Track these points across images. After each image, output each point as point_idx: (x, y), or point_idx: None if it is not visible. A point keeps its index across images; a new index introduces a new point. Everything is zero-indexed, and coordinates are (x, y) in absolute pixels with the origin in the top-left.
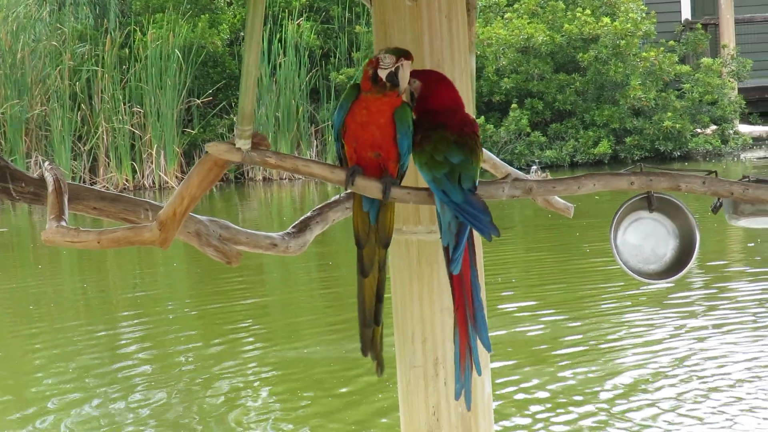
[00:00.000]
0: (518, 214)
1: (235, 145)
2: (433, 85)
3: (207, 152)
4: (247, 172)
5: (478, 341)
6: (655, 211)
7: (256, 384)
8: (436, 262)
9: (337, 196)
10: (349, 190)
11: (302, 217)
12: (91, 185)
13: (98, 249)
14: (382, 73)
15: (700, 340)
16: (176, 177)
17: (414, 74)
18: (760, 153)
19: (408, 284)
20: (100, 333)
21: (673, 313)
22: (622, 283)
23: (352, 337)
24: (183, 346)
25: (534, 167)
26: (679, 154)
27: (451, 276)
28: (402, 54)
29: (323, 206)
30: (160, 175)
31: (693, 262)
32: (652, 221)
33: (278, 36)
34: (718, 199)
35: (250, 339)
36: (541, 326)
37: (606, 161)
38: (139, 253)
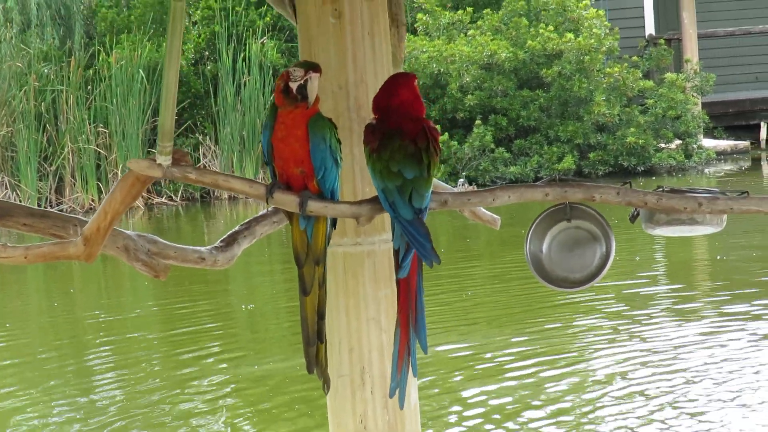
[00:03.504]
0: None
1: (156, 161)
2: (393, 86)
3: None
4: (213, 192)
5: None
6: (578, 220)
7: (206, 396)
8: (362, 274)
9: (264, 211)
10: (270, 206)
11: (230, 232)
12: (58, 206)
13: (25, 264)
14: (293, 86)
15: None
16: (142, 197)
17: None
18: (725, 167)
19: (334, 295)
20: (66, 351)
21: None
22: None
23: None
24: (147, 353)
25: (461, 181)
26: (642, 169)
27: (397, 279)
28: (310, 67)
29: (251, 221)
30: None
31: (607, 269)
32: (578, 230)
33: (242, 55)
34: (635, 209)
35: (214, 350)
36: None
37: (571, 176)
38: (105, 270)
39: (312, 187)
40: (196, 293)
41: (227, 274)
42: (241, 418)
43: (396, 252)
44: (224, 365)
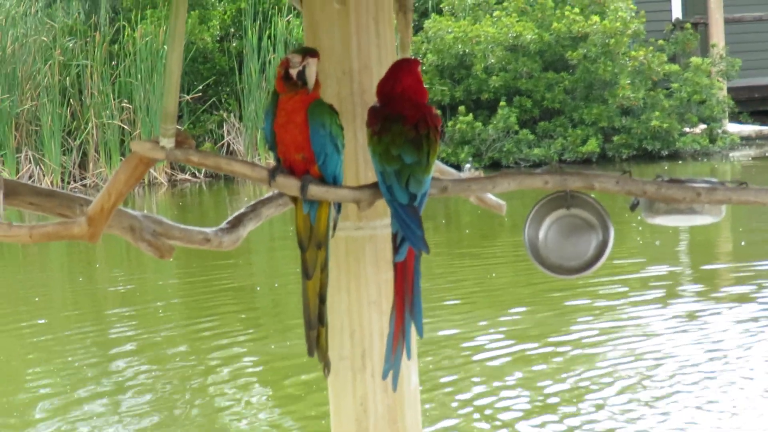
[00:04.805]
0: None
1: (159, 143)
2: (397, 71)
3: (132, 150)
4: None
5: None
6: (576, 208)
7: (224, 372)
8: (363, 258)
9: (270, 193)
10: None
11: (236, 213)
12: (81, 180)
13: (30, 242)
14: (292, 72)
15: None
16: (165, 173)
17: None
18: (750, 152)
19: (336, 279)
20: (89, 328)
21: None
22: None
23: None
24: (170, 330)
25: (468, 166)
26: (667, 153)
27: (394, 262)
28: (308, 52)
29: (257, 203)
30: (149, 171)
31: (606, 257)
32: (574, 219)
33: (268, 33)
34: (636, 198)
35: (236, 327)
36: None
37: (594, 159)
38: (128, 250)
39: (314, 172)
40: (219, 269)
41: (249, 251)
42: (253, 393)
43: (394, 236)
44: (245, 343)
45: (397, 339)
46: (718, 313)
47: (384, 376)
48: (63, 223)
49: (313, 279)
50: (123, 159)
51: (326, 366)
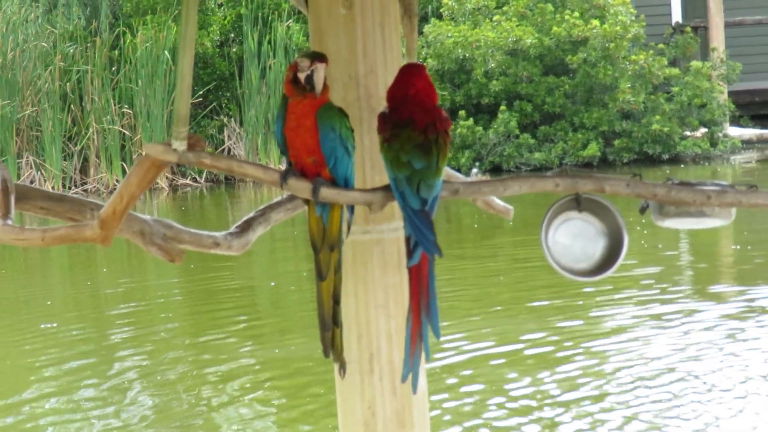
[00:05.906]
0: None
1: (171, 146)
2: (407, 75)
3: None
4: None
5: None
6: (585, 212)
7: (224, 374)
8: (371, 262)
9: (279, 198)
10: (285, 192)
11: (245, 218)
12: (82, 185)
13: (42, 246)
14: (301, 76)
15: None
16: (166, 177)
17: None
18: (751, 155)
19: (343, 282)
20: (91, 329)
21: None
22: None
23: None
24: (170, 336)
25: (474, 171)
26: (667, 157)
27: (408, 266)
28: (316, 57)
29: (266, 207)
30: None
31: (621, 260)
32: (581, 221)
33: (268, 38)
34: (645, 201)
35: (237, 329)
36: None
37: (595, 164)
38: (129, 252)
39: (325, 174)
40: (220, 270)
41: (250, 252)
42: (260, 397)
43: (407, 239)
44: (247, 345)
45: (415, 342)
46: (709, 311)
47: (403, 380)
48: (75, 226)
49: (327, 280)
50: (124, 164)
51: (342, 367)
